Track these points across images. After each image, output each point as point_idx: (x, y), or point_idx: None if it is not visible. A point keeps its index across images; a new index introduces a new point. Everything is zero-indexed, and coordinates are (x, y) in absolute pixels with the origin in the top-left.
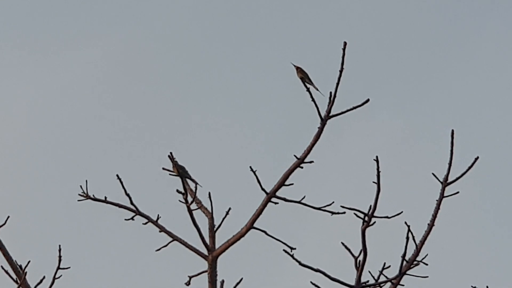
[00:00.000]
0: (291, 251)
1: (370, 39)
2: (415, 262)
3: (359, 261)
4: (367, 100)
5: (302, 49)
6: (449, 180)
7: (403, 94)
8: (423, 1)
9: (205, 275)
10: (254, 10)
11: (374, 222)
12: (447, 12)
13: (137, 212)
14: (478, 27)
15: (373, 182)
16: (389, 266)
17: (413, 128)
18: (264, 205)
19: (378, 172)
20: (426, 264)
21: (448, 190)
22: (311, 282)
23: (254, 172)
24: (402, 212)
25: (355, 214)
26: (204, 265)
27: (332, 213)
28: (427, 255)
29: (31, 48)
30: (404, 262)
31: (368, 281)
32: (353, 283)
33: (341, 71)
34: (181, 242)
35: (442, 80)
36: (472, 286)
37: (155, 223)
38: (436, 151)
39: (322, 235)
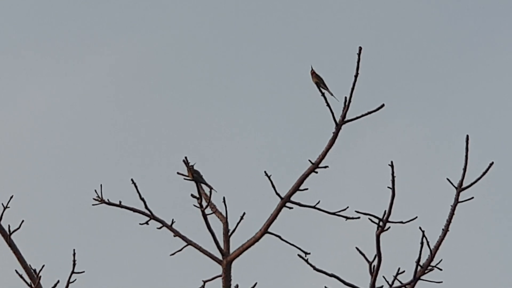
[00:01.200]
0: (306, 256)
1: (391, 44)
2: (429, 268)
3: (374, 266)
4: (382, 105)
5: (317, 54)
6: (464, 185)
7: (422, 99)
8: (443, 7)
9: (220, 279)
10: (268, 15)
11: (389, 227)
12: (467, 18)
13: (152, 217)
14: (498, 32)
15: (388, 187)
16: (404, 271)
17: (430, 133)
18: (278, 210)
19: (393, 177)
20: (441, 270)
21: (463, 195)
22: (325, 287)
23: (269, 177)
24: (416, 217)
25: (369, 219)
26: (218, 269)
27: (347, 218)
28: (441, 260)
29: (48, 52)
30: (419, 267)
31: (382, 286)
32: None
33: (356, 76)
34: (195, 247)
35: (461, 85)
36: None
37: (170, 227)
38: (453, 156)
39: (336, 240)
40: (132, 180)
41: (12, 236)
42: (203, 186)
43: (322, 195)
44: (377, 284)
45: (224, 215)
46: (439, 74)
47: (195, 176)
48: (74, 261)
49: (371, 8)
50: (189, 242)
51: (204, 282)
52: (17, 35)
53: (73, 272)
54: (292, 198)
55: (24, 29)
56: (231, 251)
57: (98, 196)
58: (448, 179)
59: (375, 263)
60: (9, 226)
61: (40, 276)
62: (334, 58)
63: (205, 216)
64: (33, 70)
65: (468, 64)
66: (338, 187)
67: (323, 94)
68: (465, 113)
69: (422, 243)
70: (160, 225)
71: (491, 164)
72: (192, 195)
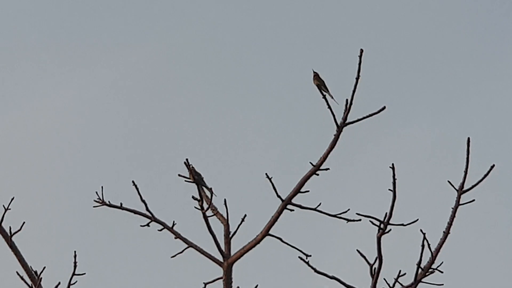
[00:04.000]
0: (307, 258)
1: (397, 46)
2: (430, 270)
3: (375, 268)
4: (384, 108)
5: (319, 56)
6: (465, 188)
7: (425, 102)
8: (460, 9)
9: (221, 281)
10: (269, 17)
11: (390, 230)
12: (484, 19)
13: (153, 219)
14: (506, 35)
15: (389, 189)
16: (405, 274)
17: (432, 135)
18: (279, 212)
19: (394, 179)
20: (442, 272)
21: (464, 198)
22: None
23: (270, 179)
24: (417, 219)
25: (370, 221)
26: (219, 271)
27: (348, 220)
28: (442, 263)
29: (60, 55)
30: (419, 270)
31: None
32: None
33: (357, 79)
34: (196, 249)
35: (463, 87)
36: None
37: (171, 229)
38: (454, 158)
39: (337, 243)
40: (133, 182)
41: (13, 238)
42: (204, 188)
43: (323, 197)
44: (378, 287)
45: (225, 217)
46: (443, 77)
47: (196, 178)
48: (75, 263)
49: (375, 9)
50: (190, 244)
51: (205, 284)
52: (38, 35)
53: (74, 274)
54: (293, 200)
55: (45, 29)
56: (232, 253)
57: (99, 198)
58: (449, 181)
59: (376, 265)
60: (10, 227)
61: (41, 278)
62: (337, 60)
63: (206, 218)
64: (45, 74)
65: (471, 67)
66: (339, 190)
67: (324, 97)
68: (467, 116)
69: (423, 246)
70: (161, 227)
71: (493, 166)
72: (193, 197)
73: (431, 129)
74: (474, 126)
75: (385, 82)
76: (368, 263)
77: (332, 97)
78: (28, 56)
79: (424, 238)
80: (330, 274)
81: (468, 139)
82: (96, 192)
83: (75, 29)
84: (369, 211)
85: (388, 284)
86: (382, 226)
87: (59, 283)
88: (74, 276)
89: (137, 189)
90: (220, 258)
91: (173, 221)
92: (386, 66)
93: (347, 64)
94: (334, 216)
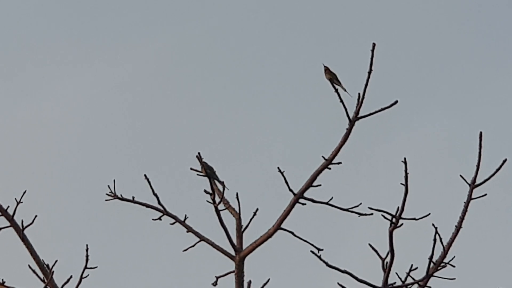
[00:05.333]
0: (318, 252)
1: (411, 39)
2: (442, 264)
3: (386, 262)
4: (396, 102)
5: (332, 50)
6: (477, 182)
7: (437, 97)
8: (474, 2)
9: (232, 275)
10: (282, 11)
11: (402, 224)
12: (497, 12)
13: (165, 212)
14: None
15: (401, 183)
16: (416, 268)
17: (444, 130)
18: (291, 206)
19: (406, 173)
20: (453, 266)
21: (476, 192)
22: (338, 283)
23: (282, 173)
24: (429, 214)
25: (382, 215)
26: (231, 265)
27: (360, 214)
28: (454, 257)
29: (74, 48)
30: (431, 264)
31: (395, 283)
32: (380, 284)
33: (369, 73)
34: (208, 243)
35: (476, 82)
36: None
37: (183, 223)
38: (467, 152)
39: (349, 237)
40: (145, 175)
41: (25, 231)
42: (216, 181)
43: (335, 191)
44: (390, 281)
45: (237, 211)
46: (456, 71)
47: (208, 172)
48: (87, 256)
49: (388, 3)
50: (202, 238)
51: (217, 278)
52: (51, 28)
53: (85, 267)
54: (305, 194)
55: (57, 23)
56: (244, 247)
57: (111, 192)
58: (461, 175)
59: (388, 259)
60: (22, 221)
61: (53, 271)
62: (350, 54)
63: (218, 212)
64: (59, 64)
65: (485, 61)
66: (352, 184)
67: (336, 90)
68: (479, 110)
69: (435, 240)
70: (173, 220)
71: (505, 160)
72: (205, 190)
73: (443, 123)
74: (486, 121)
75: (397, 76)
76: (380, 257)
77: (345, 90)
78: (38, 53)
79: (436, 232)
80: (342, 268)
81: (480, 133)
82: (108, 186)
83: (81, 28)
84: (381, 205)
85: (400, 278)
86: (394, 220)
87: (71, 277)
88: (86, 270)
89: (149, 182)
90: (232, 252)
91: (185, 215)
92: (399, 60)
93: (359, 58)
94: (346, 210)
